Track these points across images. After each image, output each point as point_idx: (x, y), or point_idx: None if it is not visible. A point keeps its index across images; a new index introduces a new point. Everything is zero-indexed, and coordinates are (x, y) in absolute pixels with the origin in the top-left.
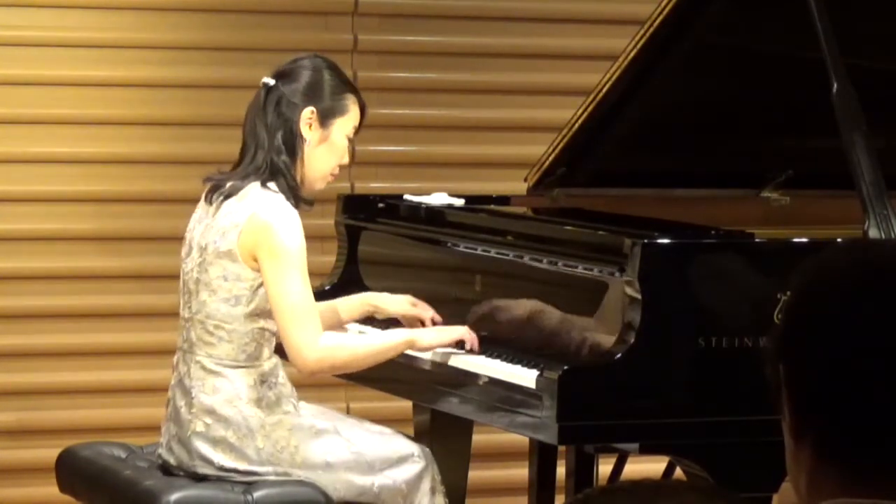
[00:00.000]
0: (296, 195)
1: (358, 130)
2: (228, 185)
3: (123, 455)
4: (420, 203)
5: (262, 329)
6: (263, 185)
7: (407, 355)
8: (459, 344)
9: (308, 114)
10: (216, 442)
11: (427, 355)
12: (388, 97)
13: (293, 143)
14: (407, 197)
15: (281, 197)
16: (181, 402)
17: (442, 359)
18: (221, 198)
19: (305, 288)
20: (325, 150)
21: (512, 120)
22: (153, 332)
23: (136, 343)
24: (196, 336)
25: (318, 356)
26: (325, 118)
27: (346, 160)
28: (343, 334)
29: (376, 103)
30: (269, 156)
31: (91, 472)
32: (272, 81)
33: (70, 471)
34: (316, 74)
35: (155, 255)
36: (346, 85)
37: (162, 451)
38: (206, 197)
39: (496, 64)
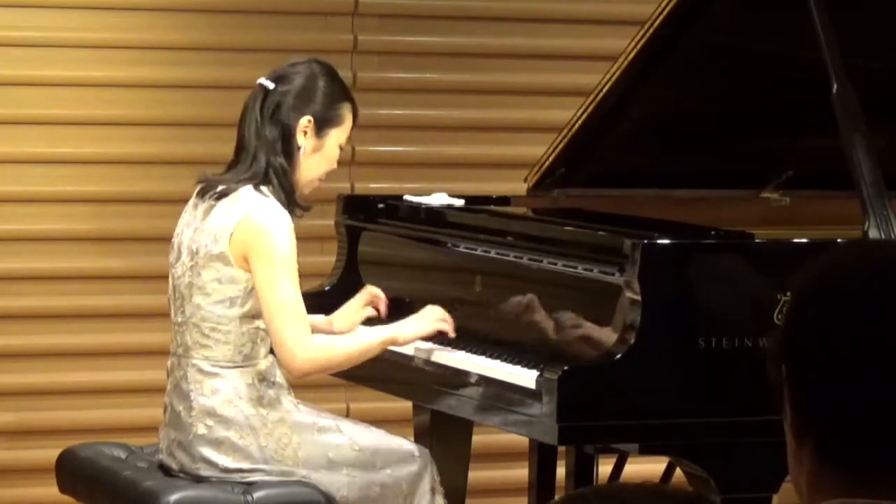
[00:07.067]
0: (290, 200)
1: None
2: (221, 186)
3: (123, 455)
4: (420, 203)
5: (258, 329)
6: (256, 188)
7: (407, 355)
8: (440, 335)
9: (305, 122)
10: (219, 443)
11: (427, 356)
12: (388, 97)
13: (289, 149)
14: (407, 197)
15: (273, 200)
16: (180, 407)
17: (442, 359)
18: (213, 199)
19: (295, 290)
20: (318, 159)
21: (512, 120)
22: (153, 333)
23: (136, 343)
24: (191, 340)
25: (308, 356)
26: (320, 128)
27: (335, 166)
28: (329, 335)
29: (376, 103)
30: (268, 158)
31: (91, 472)
32: (271, 85)
33: (70, 471)
34: (313, 82)
35: (155, 255)
36: (342, 93)
37: (162, 456)
38: (197, 195)
39: (496, 64)
